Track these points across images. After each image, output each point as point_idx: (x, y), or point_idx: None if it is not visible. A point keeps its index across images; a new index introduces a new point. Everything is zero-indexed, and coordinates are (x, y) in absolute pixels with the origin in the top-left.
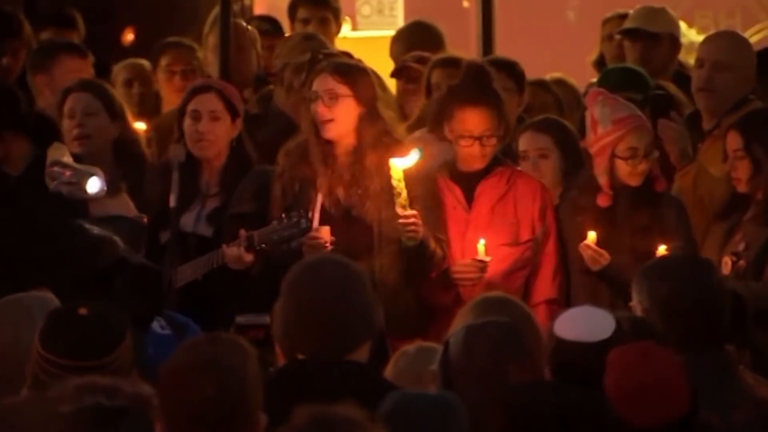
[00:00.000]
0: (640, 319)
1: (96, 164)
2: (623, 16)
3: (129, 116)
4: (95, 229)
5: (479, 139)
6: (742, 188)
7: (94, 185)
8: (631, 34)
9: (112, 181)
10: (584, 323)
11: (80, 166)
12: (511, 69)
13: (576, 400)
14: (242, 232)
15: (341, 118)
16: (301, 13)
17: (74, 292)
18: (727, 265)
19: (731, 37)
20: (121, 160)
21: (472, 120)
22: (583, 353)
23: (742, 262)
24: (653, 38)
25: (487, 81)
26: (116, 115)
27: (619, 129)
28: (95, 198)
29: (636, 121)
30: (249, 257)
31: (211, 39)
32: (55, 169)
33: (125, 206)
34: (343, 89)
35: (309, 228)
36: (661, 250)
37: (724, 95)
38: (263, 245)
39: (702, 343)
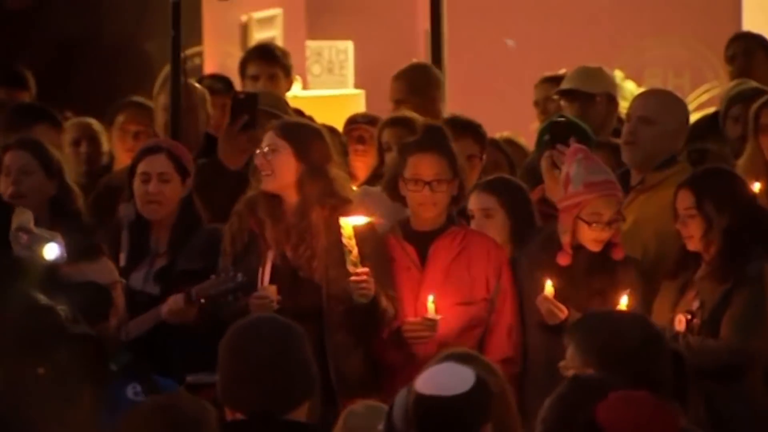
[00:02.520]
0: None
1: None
2: (552, 79)
3: (66, 174)
4: (39, 298)
5: (429, 183)
6: (693, 246)
7: (51, 252)
8: (567, 94)
9: (92, 246)
10: (442, 378)
11: (40, 231)
12: (476, 133)
13: None
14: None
15: (278, 172)
16: (251, 69)
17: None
18: (681, 322)
19: (659, 93)
20: (58, 218)
21: (423, 165)
22: (442, 406)
23: (696, 320)
24: (589, 98)
25: (442, 136)
26: (53, 173)
27: (588, 192)
28: (75, 263)
29: (607, 188)
30: (189, 312)
31: (161, 98)
32: (19, 234)
33: (103, 271)
34: (282, 144)
35: (245, 282)
36: (622, 301)
37: (647, 149)
38: (201, 300)
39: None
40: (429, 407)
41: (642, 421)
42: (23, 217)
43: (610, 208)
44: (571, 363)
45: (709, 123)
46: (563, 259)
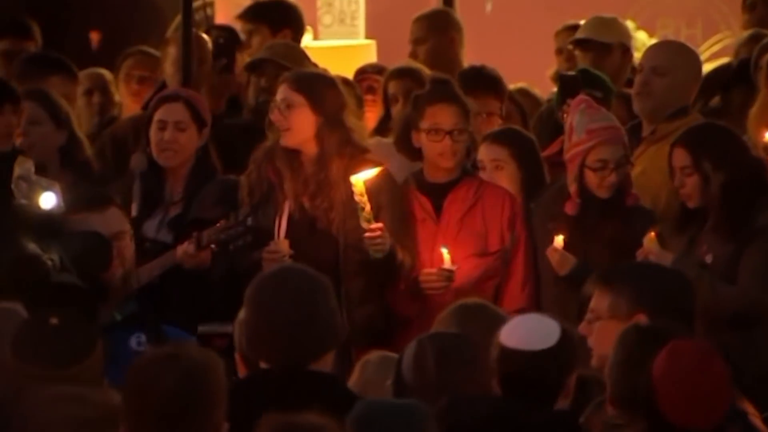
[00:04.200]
0: None
1: (42, 172)
2: (572, 27)
3: (75, 123)
4: (27, 246)
5: (450, 133)
6: (692, 204)
7: (47, 201)
8: (582, 44)
9: (98, 195)
10: (529, 331)
11: (38, 180)
12: (497, 89)
13: (515, 413)
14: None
15: (296, 127)
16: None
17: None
18: None
19: (672, 45)
20: (67, 167)
21: (443, 115)
22: (526, 362)
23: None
24: (604, 48)
25: (454, 86)
26: (61, 122)
27: (591, 139)
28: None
29: (609, 133)
30: (201, 256)
31: (171, 50)
32: (20, 182)
33: (109, 220)
34: (297, 98)
35: (255, 227)
36: (650, 236)
37: (660, 100)
38: (212, 245)
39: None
40: (516, 361)
41: (693, 371)
42: (24, 165)
43: (615, 153)
44: (610, 312)
45: (734, 72)
46: (570, 208)
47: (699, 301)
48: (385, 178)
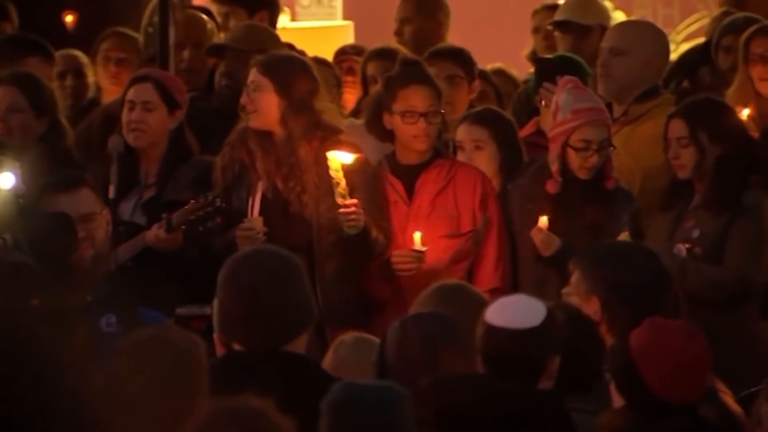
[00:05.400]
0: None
1: (20, 159)
2: (550, 7)
3: (59, 111)
4: None
5: (424, 115)
6: (685, 174)
7: (5, 181)
8: (562, 25)
9: (70, 177)
10: (515, 310)
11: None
12: (457, 56)
13: (504, 393)
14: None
15: (261, 110)
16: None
17: None
18: (681, 251)
19: (628, 24)
20: (46, 156)
21: (417, 97)
22: (511, 340)
23: (698, 249)
24: (584, 30)
25: (424, 69)
26: (43, 111)
27: (576, 119)
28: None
29: (594, 114)
30: (173, 239)
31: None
32: None
33: (79, 202)
34: (263, 81)
35: (223, 207)
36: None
37: (620, 80)
38: (182, 226)
39: None
40: (499, 339)
41: (673, 347)
42: None
43: (598, 134)
44: (574, 289)
45: (701, 53)
46: (552, 187)
47: (684, 286)
48: (361, 161)
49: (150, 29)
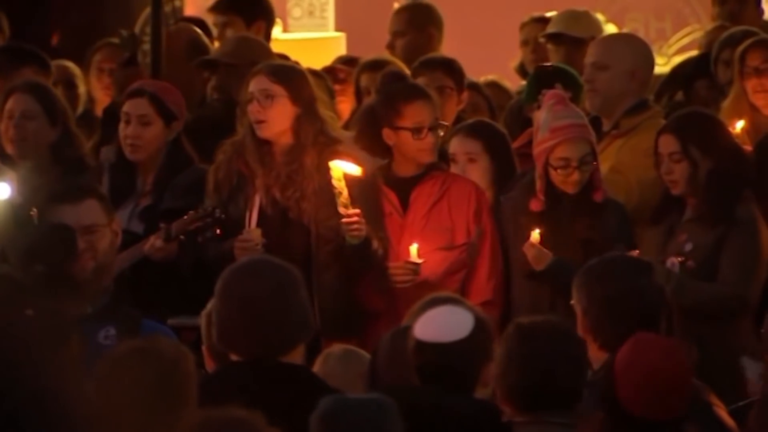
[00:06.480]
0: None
1: (32, 167)
2: (539, 20)
3: (71, 120)
4: None
5: (432, 129)
6: (678, 190)
7: (1, 192)
8: (554, 38)
9: (75, 188)
10: (442, 323)
11: None
12: (447, 67)
13: (439, 403)
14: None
15: (275, 118)
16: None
17: None
18: (674, 265)
19: (610, 38)
20: (60, 164)
21: (424, 111)
22: (439, 354)
23: (691, 263)
24: (576, 42)
25: (416, 82)
26: (56, 119)
27: (553, 138)
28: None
29: (572, 131)
30: (169, 249)
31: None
32: None
33: (82, 213)
34: (277, 89)
35: (223, 218)
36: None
37: (605, 94)
38: (181, 236)
39: None
40: (430, 354)
41: (650, 365)
42: None
43: (578, 150)
44: (577, 304)
45: (697, 66)
46: (535, 205)
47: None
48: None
49: (124, 33)
